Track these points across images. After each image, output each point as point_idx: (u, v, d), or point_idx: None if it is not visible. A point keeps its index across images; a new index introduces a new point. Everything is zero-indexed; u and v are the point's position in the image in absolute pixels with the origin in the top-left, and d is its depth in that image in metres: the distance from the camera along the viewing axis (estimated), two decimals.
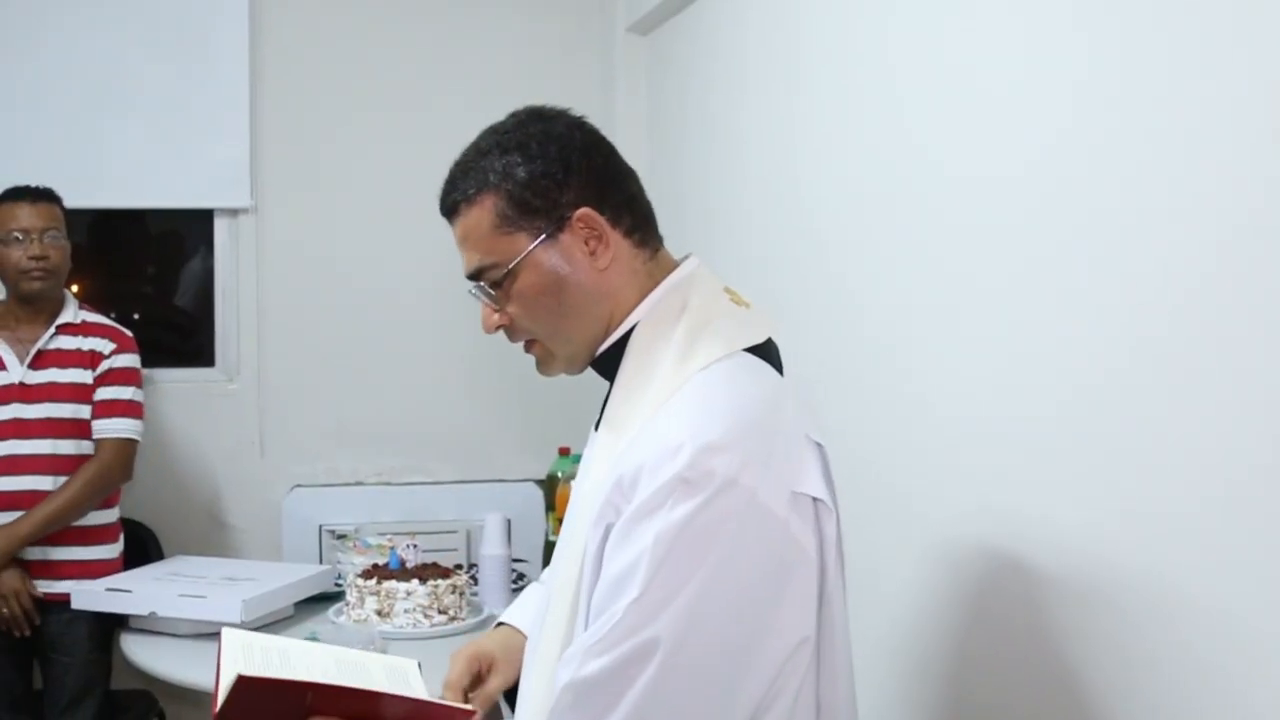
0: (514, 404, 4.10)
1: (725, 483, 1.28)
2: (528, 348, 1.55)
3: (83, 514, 3.24)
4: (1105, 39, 1.64)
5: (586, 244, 1.47)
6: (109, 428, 3.29)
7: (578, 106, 1.57)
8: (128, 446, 3.32)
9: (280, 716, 1.45)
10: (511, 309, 1.49)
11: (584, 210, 1.46)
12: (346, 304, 4.05)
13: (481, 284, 1.50)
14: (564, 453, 3.47)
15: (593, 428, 1.54)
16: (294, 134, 4.00)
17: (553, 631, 1.44)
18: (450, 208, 1.51)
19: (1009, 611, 1.85)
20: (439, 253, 4.07)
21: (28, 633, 3.15)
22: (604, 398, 1.51)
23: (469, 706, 1.45)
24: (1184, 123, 1.49)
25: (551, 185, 1.45)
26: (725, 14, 3.16)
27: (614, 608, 1.29)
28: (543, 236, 1.45)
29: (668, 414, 1.36)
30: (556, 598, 1.45)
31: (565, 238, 1.46)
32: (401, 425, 4.10)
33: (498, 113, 1.58)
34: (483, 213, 1.47)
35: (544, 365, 1.56)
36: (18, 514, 3.14)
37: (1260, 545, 1.37)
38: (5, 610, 3.10)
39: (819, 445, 1.43)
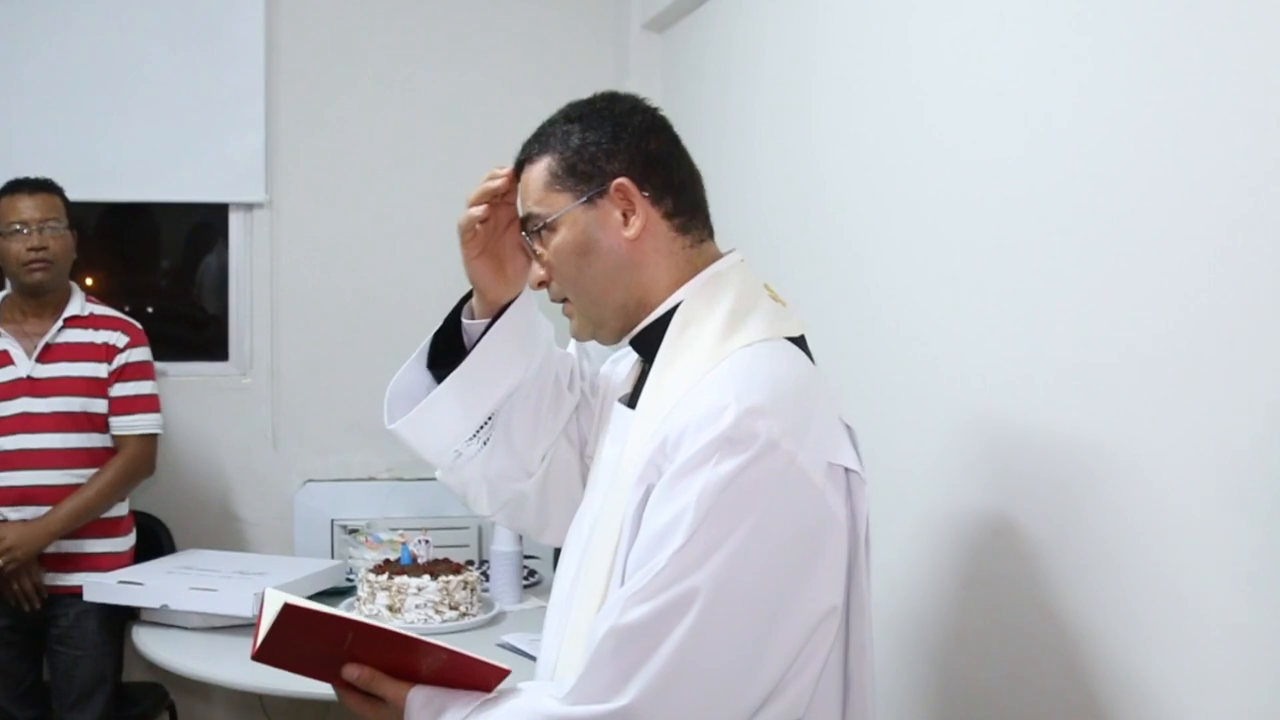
0: None
1: (767, 445, 1.35)
2: (565, 310, 1.64)
3: (109, 508, 3.26)
4: (1119, 23, 1.64)
5: (623, 215, 1.56)
6: (132, 424, 3.30)
7: None
8: (151, 442, 3.34)
9: (317, 659, 1.49)
10: (549, 262, 1.60)
11: (621, 180, 1.55)
12: (360, 299, 4.06)
13: (529, 230, 1.61)
14: None
15: (617, 402, 1.65)
16: (309, 129, 4.00)
17: (587, 594, 1.50)
18: (520, 164, 1.63)
19: (1010, 601, 1.85)
20: (453, 248, 4.09)
21: (38, 606, 3.15)
22: (637, 376, 1.63)
23: (505, 666, 1.48)
24: (1207, 106, 1.49)
25: (599, 154, 1.56)
26: (740, 11, 3.15)
27: (657, 557, 1.34)
28: (583, 199, 1.56)
29: (711, 381, 1.43)
30: (591, 560, 1.52)
31: (603, 204, 1.56)
32: None
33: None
34: (540, 170, 1.59)
35: (574, 325, 1.64)
36: (28, 508, 3.15)
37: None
38: (15, 586, 3.11)
39: (849, 428, 1.49)
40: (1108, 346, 1.66)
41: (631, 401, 1.60)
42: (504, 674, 1.47)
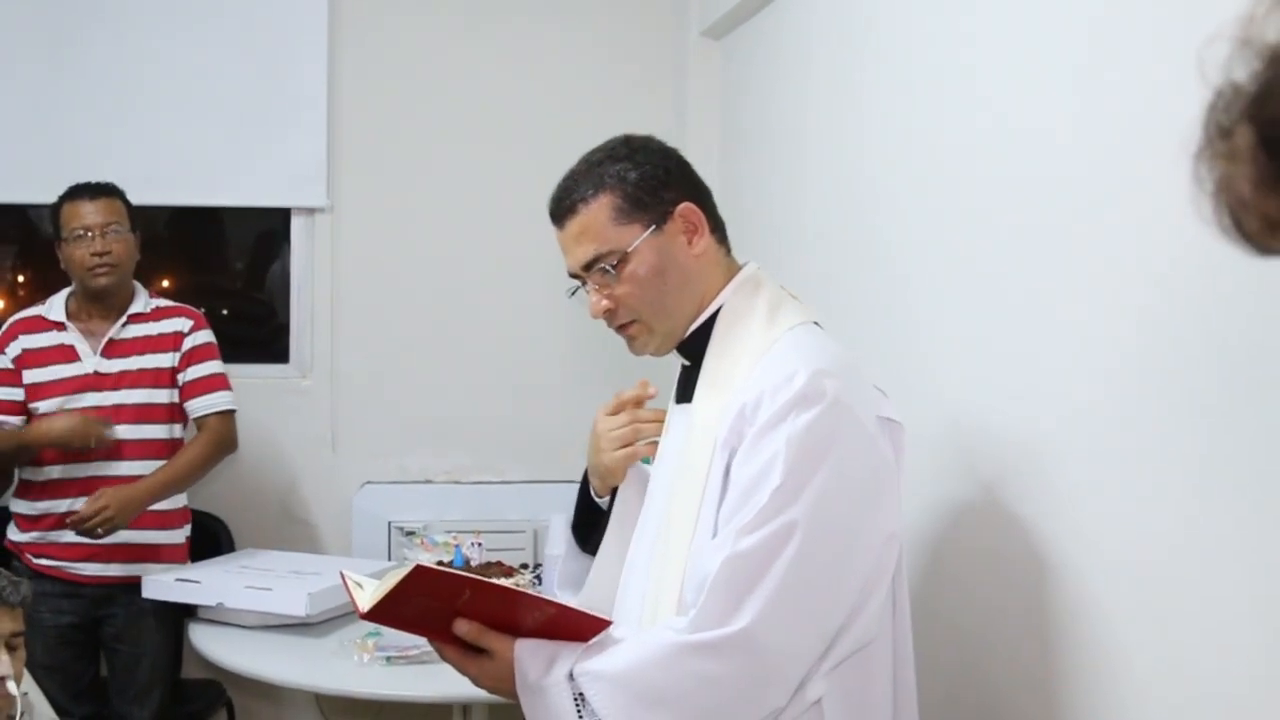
0: (582, 405, 4.08)
1: (834, 400, 1.58)
2: (624, 329, 1.80)
3: (197, 480, 3.34)
4: (1180, 39, 1.62)
5: (685, 234, 1.75)
6: (210, 403, 3.34)
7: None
8: (231, 418, 3.37)
9: (425, 617, 1.62)
10: (622, 290, 1.74)
11: (687, 205, 1.75)
12: (420, 303, 4.09)
13: (600, 267, 1.74)
14: None
15: (672, 401, 1.83)
16: (371, 134, 4.04)
17: (670, 551, 1.67)
18: (569, 208, 1.77)
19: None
20: (513, 253, 4.12)
21: (101, 533, 3.10)
22: (680, 376, 1.81)
23: (607, 618, 1.63)
24: None
25: (658, 185, 1.75)
26: (799, 18, 3.15)
27: (757, 496, 1.56)
28: (652, 227, 1.74)
29: (774, 357, 1.66)
30: (674, 520, 1.69)
31: (669, 228, 1.75)
32: (471, 424, 4.12)
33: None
34: (600, 209, 1.74)
35: (637, 342, 1.81)
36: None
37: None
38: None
39: (882, 391, 1.73)
40: (1177, 366, 1.64)
41: (684, 397, 1.78)
42: (606, 624, 1.61)
